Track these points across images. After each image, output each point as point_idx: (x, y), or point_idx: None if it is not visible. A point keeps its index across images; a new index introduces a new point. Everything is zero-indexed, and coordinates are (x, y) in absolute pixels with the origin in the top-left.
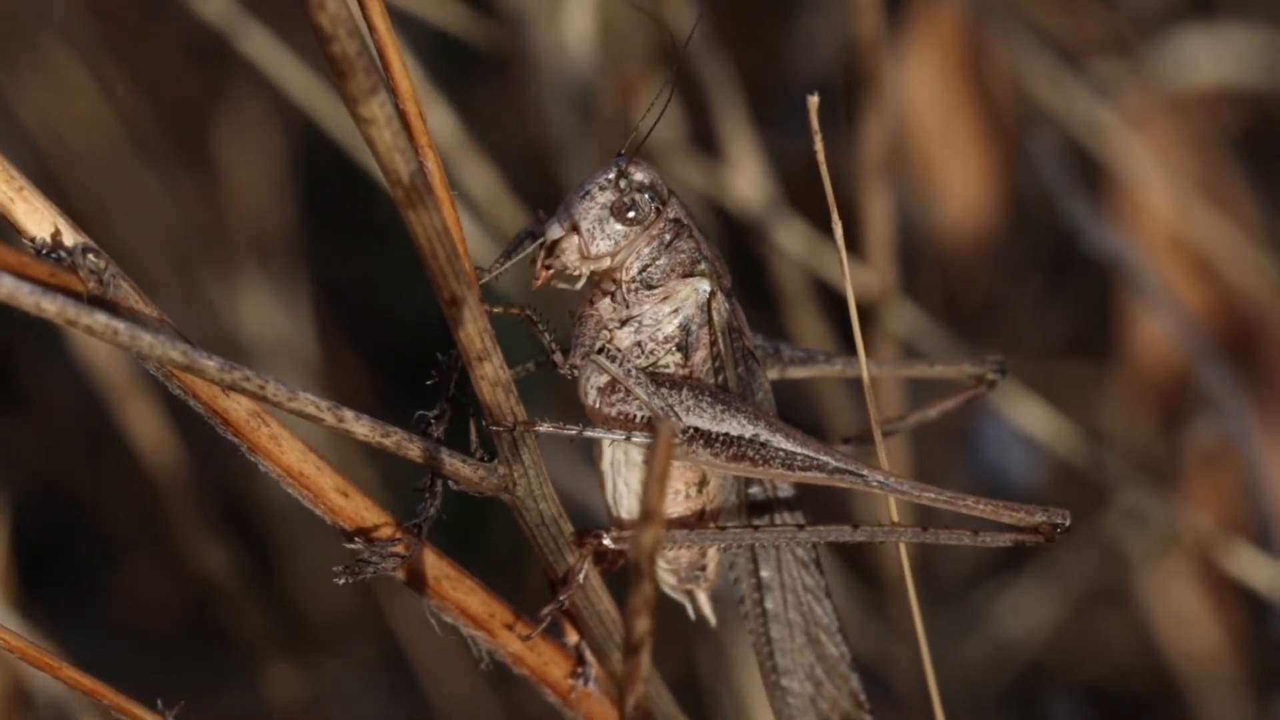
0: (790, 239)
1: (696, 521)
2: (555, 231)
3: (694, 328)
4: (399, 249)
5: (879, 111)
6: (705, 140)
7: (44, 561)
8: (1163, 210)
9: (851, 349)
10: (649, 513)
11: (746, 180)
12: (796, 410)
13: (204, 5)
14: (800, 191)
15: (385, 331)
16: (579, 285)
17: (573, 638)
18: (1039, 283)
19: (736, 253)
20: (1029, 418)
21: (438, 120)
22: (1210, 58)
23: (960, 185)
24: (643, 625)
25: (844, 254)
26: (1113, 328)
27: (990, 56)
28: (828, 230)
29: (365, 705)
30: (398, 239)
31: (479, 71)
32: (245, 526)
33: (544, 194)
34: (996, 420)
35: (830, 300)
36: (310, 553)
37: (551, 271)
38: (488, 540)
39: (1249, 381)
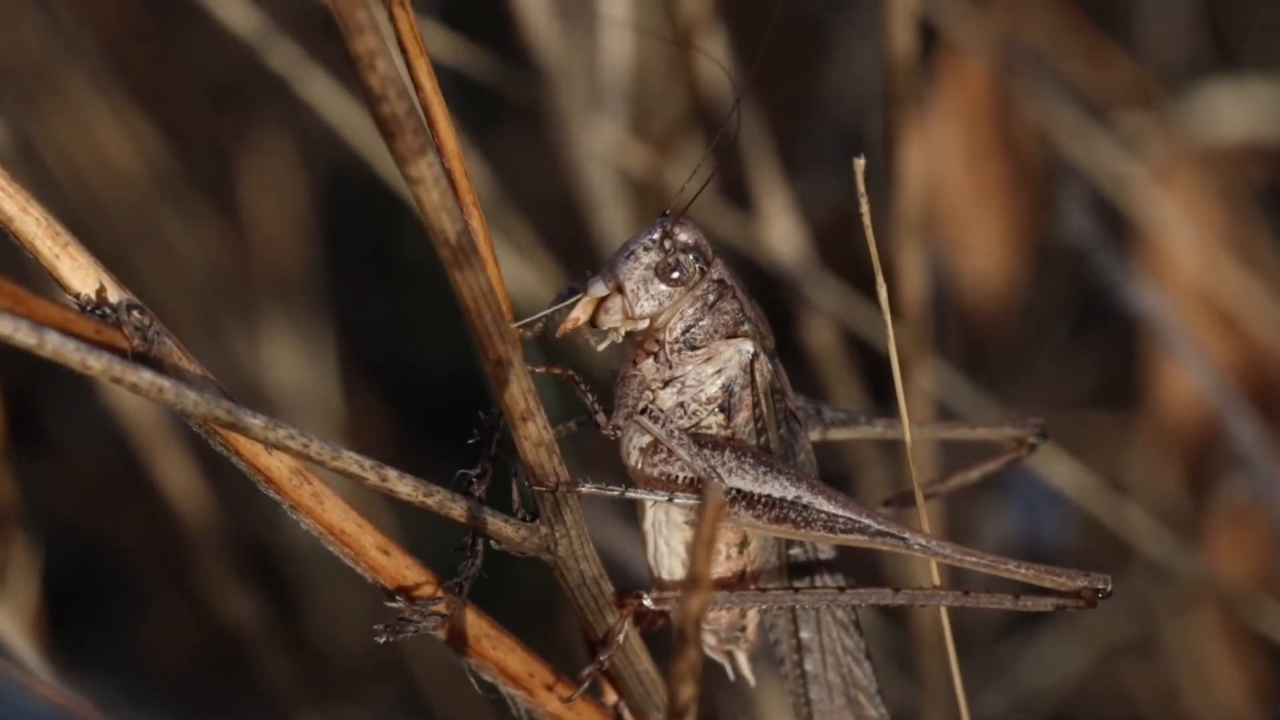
0: (821, 294)
1: (737, 583)
2: (600, 290)
3: (737, 389)
4: (422, 291)
5: (913, 168)
6: (737, 192)
7: (70, 606)
8: (1189, 264)
9: (880, 406)
10: (695, 577)
11: (779, 234)
12: (832, 469)
13: (231, 38)
14: (828, 241)
15: (409, 374)
16: (602, 346)
17: (611, 698)
18: (1065, 336)
19: (767, 305)
20: (1059, 473)
21: (475, 176)
22: (1235, 111)
23: (987, 239)
24: (687, 691)
25: (888, 316)
26: (1139, 381)
27: (1017, 110)
28: (858, 284)
29: None
30: (420, 281)
31: (511, 124)
32: (269, 572)
33: (576, 247)
34: (1028, 477)
35: (860, 354)
36: (333, 599)
37: (581, 324)
38: (517, 592)
39: (1275, 436)
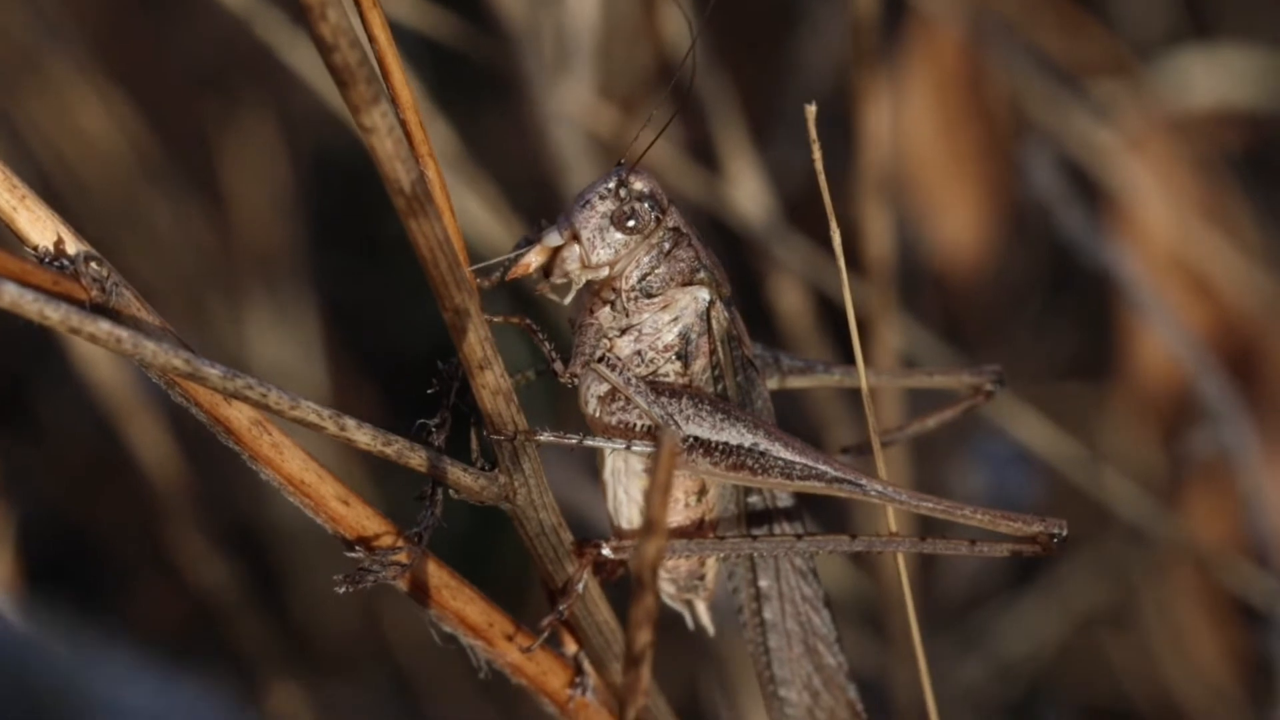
0: (789, 253)
1: (695, 531)
2: (555, 239)
3: (693, 336)
4: (406, 272)
5: (877, 126)
6: (706, 156)
7: (51, 582)
8: (1161, 229)
9: (851, 362)
10: (651, 524)
11: (746, 195)
12: (795, 421)
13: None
14: (800, 210)
15: (393, 354)
16: (567, 299)
17: (571, 648)
18: (1039, 302)
19: (737, 267)
20: (1029, 435)
21: (440, 137)
22: (1208, 79)
23: (959, 205)
24: (644, 637)
25: (842, 260)
26: (1113, 346)
27: (989, 77)
28: (826, 246)
29: (363, 717)
30: (405, 262)
31: (482, 90)
32: (252, 548)
33: (544, 209)
34: (996, 439)
35: (829, 316)
36: (316, 575)
37: (538, 268)
38: (498, 557)
39: (1247, 399)
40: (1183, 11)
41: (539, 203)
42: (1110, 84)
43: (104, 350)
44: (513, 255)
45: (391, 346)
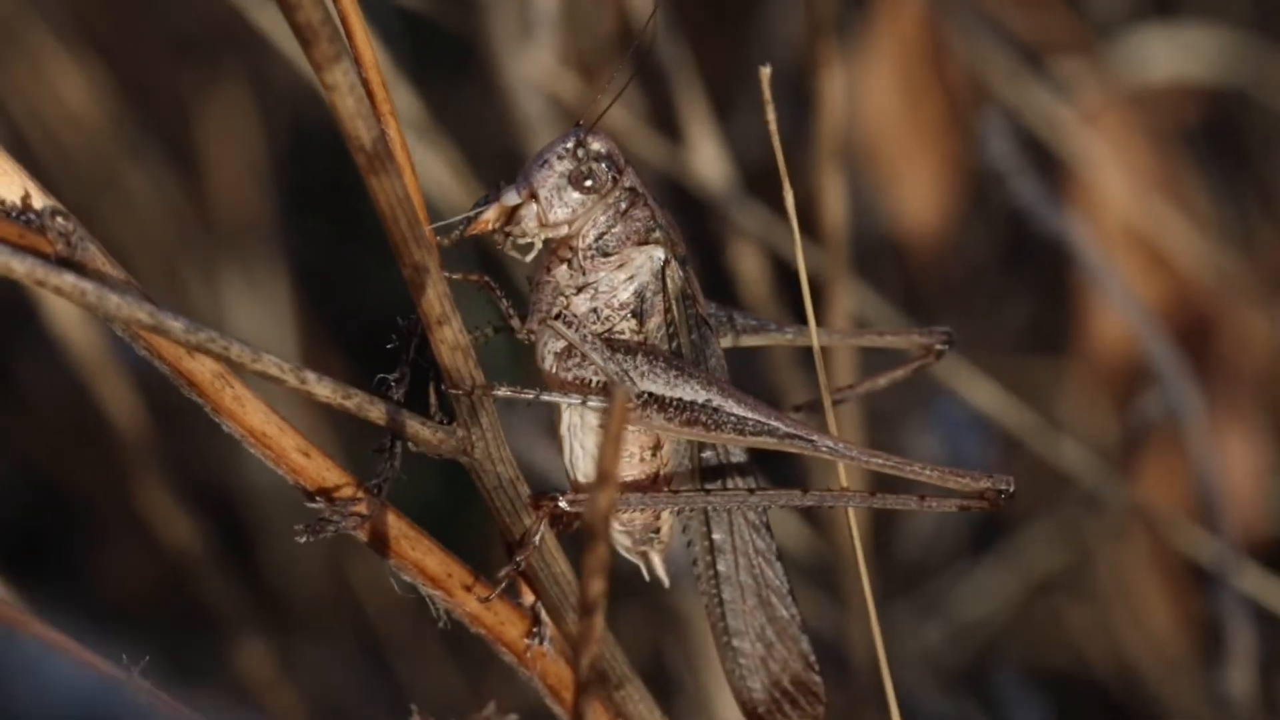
0: (747, 218)
1: (650, 485)
2: (513, 198)
3: (648, 294)
4: (379, 241)
5: (833, 94)
6: (667, 124)
7: (24, 543)
8: (1117, 202)
9: (805, 323)
10: (603, 475)
11: (705, 160)
12: (749, 380)
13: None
14: (760, 179)
15: (363, 321)
16: (529, 257)
17: (529, 598)
18: (996, 275)
19: (696, 232)
20: (985, 400)
21: (405, 100)
22: (1168, 55)
23: (918, 175)
24: (597, 586)
25: (795, 222)
26: (1068, 317)
27: (949, 50)
28: (783, 213)
29: (332, 677)
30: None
31: (450, 57)
32: (223, 509)
33: (508, 172)
34: (951, 405)
35: (786, 283)
36: (285, 536)
37: (494, 226)
38: (463, 519)
39: (1199, 368)
40: None
41: (503, 166)
42: (1070, 60)
43: (75, 310)
44: (471, 213)
45: (362, 314)
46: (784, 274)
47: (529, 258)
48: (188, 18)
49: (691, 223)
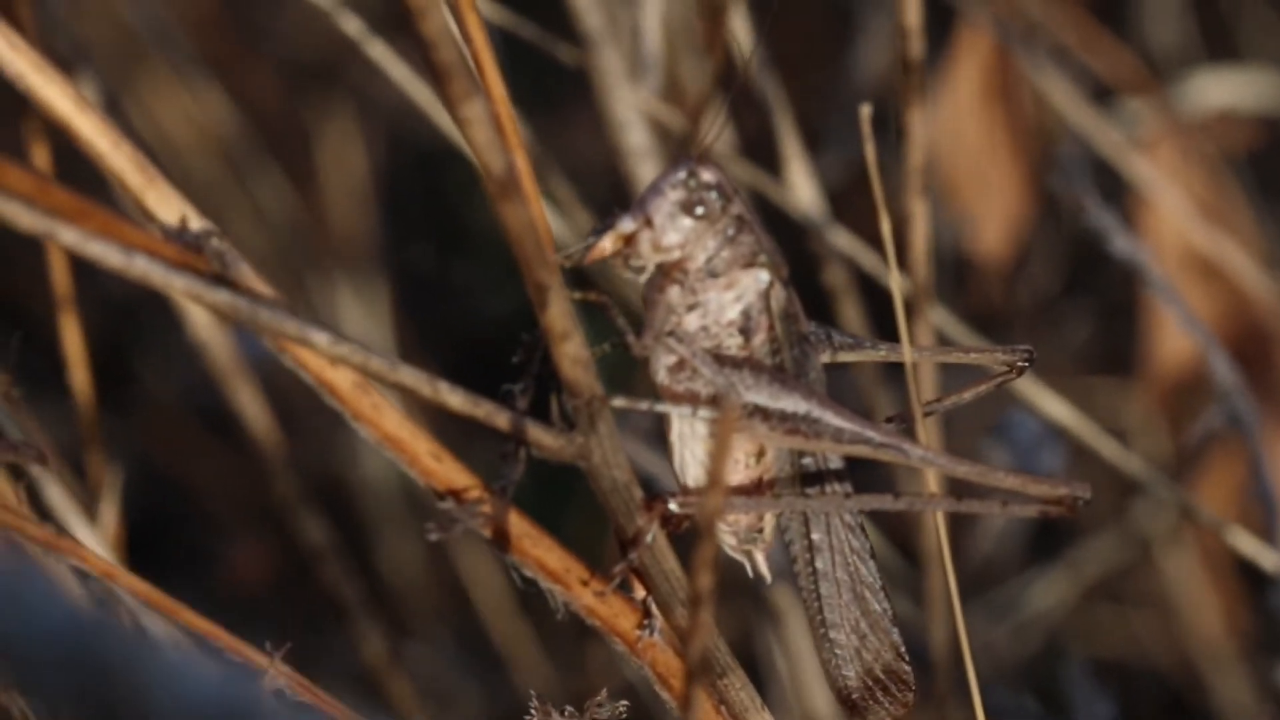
0: (838, 241)
1: (754, 489)
2: (628, 225)
3: (754, 313)
4: (486, 258)
5: (919, 129)
6: (764, 153)
7: (152, 537)
8: (1175, 225)
9: (890, 341)
10: (713, 480)
11: (799, 188)
12: (844, 392)
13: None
14: (847, 208)
15: (460, 333)
16: (643, 278)
17: (640, 593)
18: (1065, 296)
19: (792, 256)
20: (1055, 414)
21: (528, 135)
22: (1221, 91)
23: (994, 203)
24: (705, 580)
25: (890, 244)
26: (1131, 337)
27: (1022, 84)
28: (869, 237)
29: (437, 667)
30: (485, 249)
31: (567, 92)
32: (344, 509)
33: (612, 200)
34: (1024, 419)
35: (871, 303)
36: (397, 535)
37: (611, 252)
38: (566, 525)
39: (1255, 385)
40: (1198, 32)
41: (607, 195)
42: (1131, 94)
43: (208, 319)
44: (590, 240)
45: (460, 327)
46: (868, 294)
47: (643, 279)
48: (303, 44)
49: (787, 246)
